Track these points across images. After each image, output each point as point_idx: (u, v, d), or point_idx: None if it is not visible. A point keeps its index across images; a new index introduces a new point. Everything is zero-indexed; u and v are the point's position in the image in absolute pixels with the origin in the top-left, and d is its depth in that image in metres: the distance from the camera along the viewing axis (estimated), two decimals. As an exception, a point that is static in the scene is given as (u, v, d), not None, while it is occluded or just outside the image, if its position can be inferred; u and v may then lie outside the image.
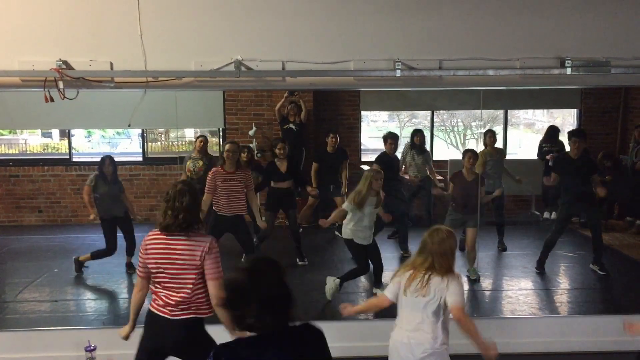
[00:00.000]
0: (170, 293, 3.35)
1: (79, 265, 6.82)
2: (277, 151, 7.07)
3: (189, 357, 3.43)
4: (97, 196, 6.68)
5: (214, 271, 3.32)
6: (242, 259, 6.72)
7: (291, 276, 7.20)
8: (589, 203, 6.69)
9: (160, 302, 3.37)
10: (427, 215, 8.44)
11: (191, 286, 3.32)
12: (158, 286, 3.38)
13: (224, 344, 2.23)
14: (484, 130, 10.50)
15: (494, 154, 7.63)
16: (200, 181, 6.78)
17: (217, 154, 7.80)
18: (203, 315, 3.40)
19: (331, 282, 5.89)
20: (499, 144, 8.28)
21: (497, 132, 10.54)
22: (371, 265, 6.13)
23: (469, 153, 6.65)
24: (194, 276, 3.32)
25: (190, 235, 3.34)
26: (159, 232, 3.39)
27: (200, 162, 7.44)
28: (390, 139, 7.53)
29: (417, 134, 8.35)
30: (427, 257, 3.43)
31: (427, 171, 8.24)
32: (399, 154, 8.10)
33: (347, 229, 5.89)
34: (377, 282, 6.19)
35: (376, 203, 5.87)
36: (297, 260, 7.20)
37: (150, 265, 3.37)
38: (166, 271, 3.33)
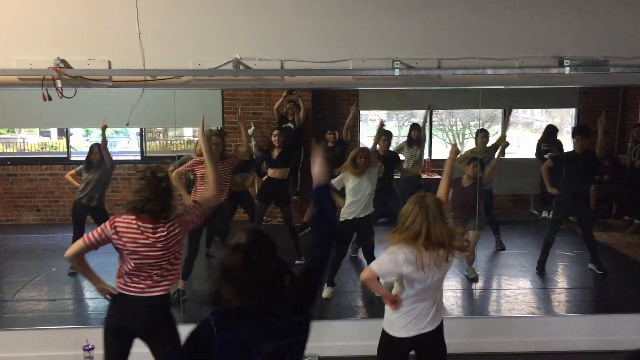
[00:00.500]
0: (145, 275, 3.41)
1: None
2: (272, 138, 7.00)
3: (156, 336, 3.47)
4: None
5: (192, 209, 3.54)
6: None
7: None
8: (582, 202, 6.67)
9: (131, 283, 3.42)
10: None
11: (168, 266, 3.44)
12: (131, 269, 3.40)
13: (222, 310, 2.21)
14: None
15: (485, 154, 7.41)
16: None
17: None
18: (170, 286, 3.51)
19: (326, 292, 5.93)
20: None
21: (494, 132, 10.64)
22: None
23: (474, 162, 6.55)
24: (170, 258, 3.43)
25: (165, 220, 3.38)
26: (133, 217, 3.36)
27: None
28: (384, 135, 7.33)
29: (415, 128, 8.29)
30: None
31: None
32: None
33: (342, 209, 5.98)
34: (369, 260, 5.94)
35: (367, 179, 5.90)
36: (295, 261, 7.07)
37: (124, 250, 3.38)
38: (143, 257, 3.36)
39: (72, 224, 6.81)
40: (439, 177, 8.52)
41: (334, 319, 5.41)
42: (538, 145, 9.09)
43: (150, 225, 3.35)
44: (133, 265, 3.39)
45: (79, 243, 3.40)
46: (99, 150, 6.83)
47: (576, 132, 6.85)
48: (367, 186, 5.92)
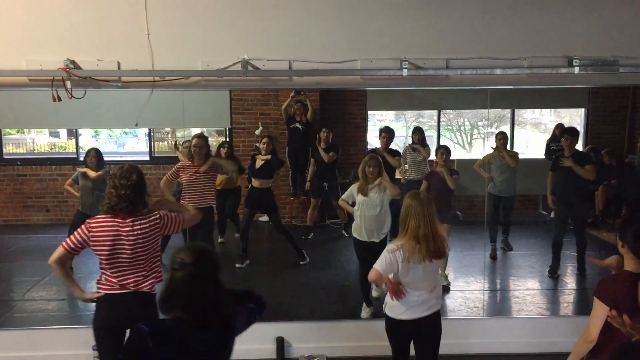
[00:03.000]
0: (126, 274, 3.47)
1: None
2: (260, 146, 6.94)
3: None
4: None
5: (176, 219, 3.61)
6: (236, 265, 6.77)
7: (297, 276, 7.17)
8: (577, 202, 6.52)
9: (116, 283, 3.48)
10: None
11: (149, 263, 3.52)
12: (112, 270, 3.46)
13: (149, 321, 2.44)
14: (491, 130, 10.48)
15: (502, 157, 7.31)
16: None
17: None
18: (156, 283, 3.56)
19: (365, 312, 5.57)
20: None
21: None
22: None
23: (441, 149, 6.39)
24: (148, 254, 3.50)
25: (138, 216, 3.46)
26: (107, 217, 3.45)
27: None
28: (384, 132, 7.02)
29: (416, 132, 8.18)
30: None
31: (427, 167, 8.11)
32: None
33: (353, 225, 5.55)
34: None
35: (380, 193, 5.35)
36: (300, 261, 7.10)
37: (101, 252, 3.43)
38: (121, 256, 3.43)
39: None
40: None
41: (342, 319, 5.40)
42: (547, 146, 9.06)
43: (128, 221, 3.43)
44: (113, 263, 3.45)
45: (60, 249, 3.46)
46: (95, 154, 6.68)
47: (565, 133, 6.74)
48: (377, 204, 5.33)
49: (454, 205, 7.26)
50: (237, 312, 2.53)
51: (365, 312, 5.54)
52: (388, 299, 3.74)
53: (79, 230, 3.47)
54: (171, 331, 2.36)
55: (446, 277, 6.38)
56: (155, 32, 4.31)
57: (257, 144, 8.32)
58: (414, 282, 3.63)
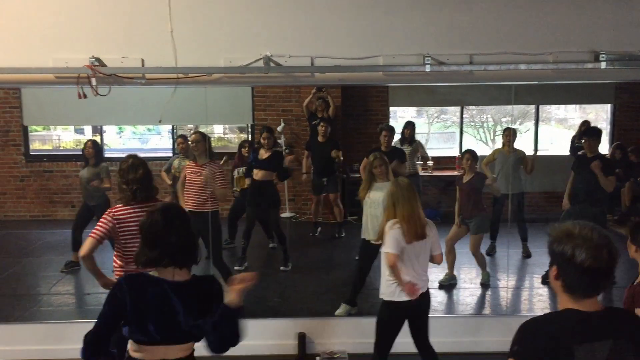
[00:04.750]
0: None
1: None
2: (262, 140, 6.74)
3: None
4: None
5: None
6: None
7: (319, 273, 7.15)
8: (594, 208, 6.10)
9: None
10: None
11: None
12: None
13: (131, 274, 2.69)
14: (513, 126, 10.35)
15: (508, 154, 7.16)
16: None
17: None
18: None
19: (342, 309, 5.55)
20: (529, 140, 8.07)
21: (526, 129, 10.45)
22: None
23: (467, 154, 6.31)
24: None
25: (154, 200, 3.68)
26: (127, 207, 3.68)
27: (186, 161, 6.81)
28: (385, 130, 6.71)
29: (408, 126, 8.20)
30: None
31: (418, 163, 8.08)
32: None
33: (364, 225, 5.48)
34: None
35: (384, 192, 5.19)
36: (281, 267, 6.81)
37: (126, 238, 3.62)
38: None
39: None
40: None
41: (363, 316, 5.39)
42: (572, 142, 8.92)
43: (146, 207, 3.49)
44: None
45: (90, 240, 3.63)
46: (92, 145, 6.84)
47: (585, 134, 6.57)
48: (382, 203, 4.99)
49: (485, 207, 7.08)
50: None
51: (342, 309, 5.50)
52: (384, 287, 4.02)
53: (103, 219, 3.66)
54: (146, 283, 2.55)
55: (454, 277, 6.38)
56: (178, 29, 4.34)
57: (279, 140, 8.35)
58: (410, 261, 3.94)
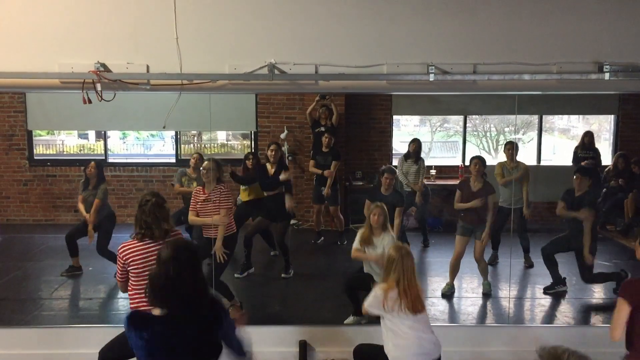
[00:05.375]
0: None
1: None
2: (268, 153, 6.77)
3: None
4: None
5: None
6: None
7: (320, 280, 7.12)
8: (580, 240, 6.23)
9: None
10: (422, 225, 8.28)
11: None
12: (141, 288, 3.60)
13: (139, 313, 2.82)
14: (516, 136, 10.35)
15: (511, 169, 7.15)
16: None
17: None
18: None
19: (351, 320, 5.54)
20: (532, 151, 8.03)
21: (530, 139, 10.45)
22: None
23: (475, 160, 6.34)
24: None
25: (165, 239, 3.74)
26: (136, 242, 3.78)
27: (195, 184, 6.78)
28: (387, 173, 6.33)
29: (413, 142, 8.13)
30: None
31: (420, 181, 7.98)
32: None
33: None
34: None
35: (381, 240, 5.26)
36: (282, 274, 6.84)
37: (133, 272, 3.75)
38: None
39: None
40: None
41: (364, 324, 5.38)
42: (575, 153, 8.92)
43: (157, 245, 3.67)
44: (142, 281, 3.64)
45: (119, 284, 3.93)
46: (95, 166, 6.78)
47: (578, 171, 6.56)
48: (378, 246, 5.25)
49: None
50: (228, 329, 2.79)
51: (351, 320, 5.50)
52: (390, 353, 3.90)
53: (117, 260, 3.85)
54: (148, 322, 2.61)
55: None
56: (183, 36, 4.36)
57: (283, 147, 8.36)
58: (404, 329, 3.83)
